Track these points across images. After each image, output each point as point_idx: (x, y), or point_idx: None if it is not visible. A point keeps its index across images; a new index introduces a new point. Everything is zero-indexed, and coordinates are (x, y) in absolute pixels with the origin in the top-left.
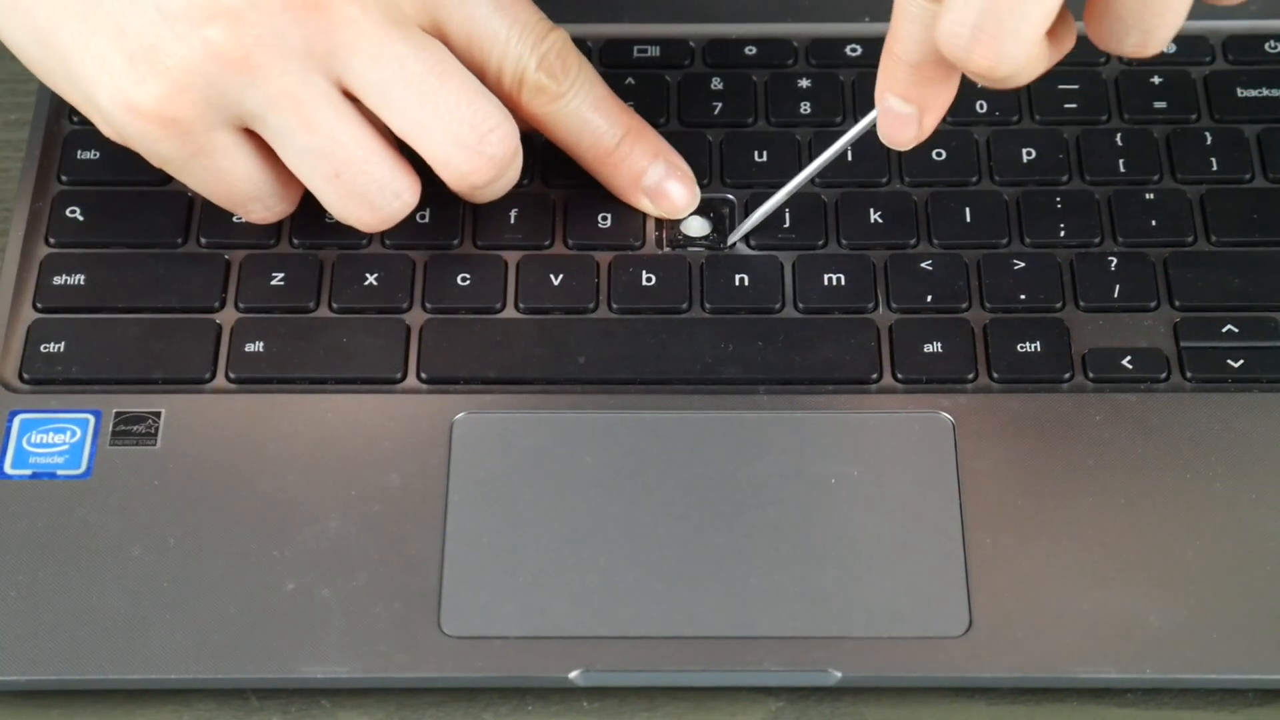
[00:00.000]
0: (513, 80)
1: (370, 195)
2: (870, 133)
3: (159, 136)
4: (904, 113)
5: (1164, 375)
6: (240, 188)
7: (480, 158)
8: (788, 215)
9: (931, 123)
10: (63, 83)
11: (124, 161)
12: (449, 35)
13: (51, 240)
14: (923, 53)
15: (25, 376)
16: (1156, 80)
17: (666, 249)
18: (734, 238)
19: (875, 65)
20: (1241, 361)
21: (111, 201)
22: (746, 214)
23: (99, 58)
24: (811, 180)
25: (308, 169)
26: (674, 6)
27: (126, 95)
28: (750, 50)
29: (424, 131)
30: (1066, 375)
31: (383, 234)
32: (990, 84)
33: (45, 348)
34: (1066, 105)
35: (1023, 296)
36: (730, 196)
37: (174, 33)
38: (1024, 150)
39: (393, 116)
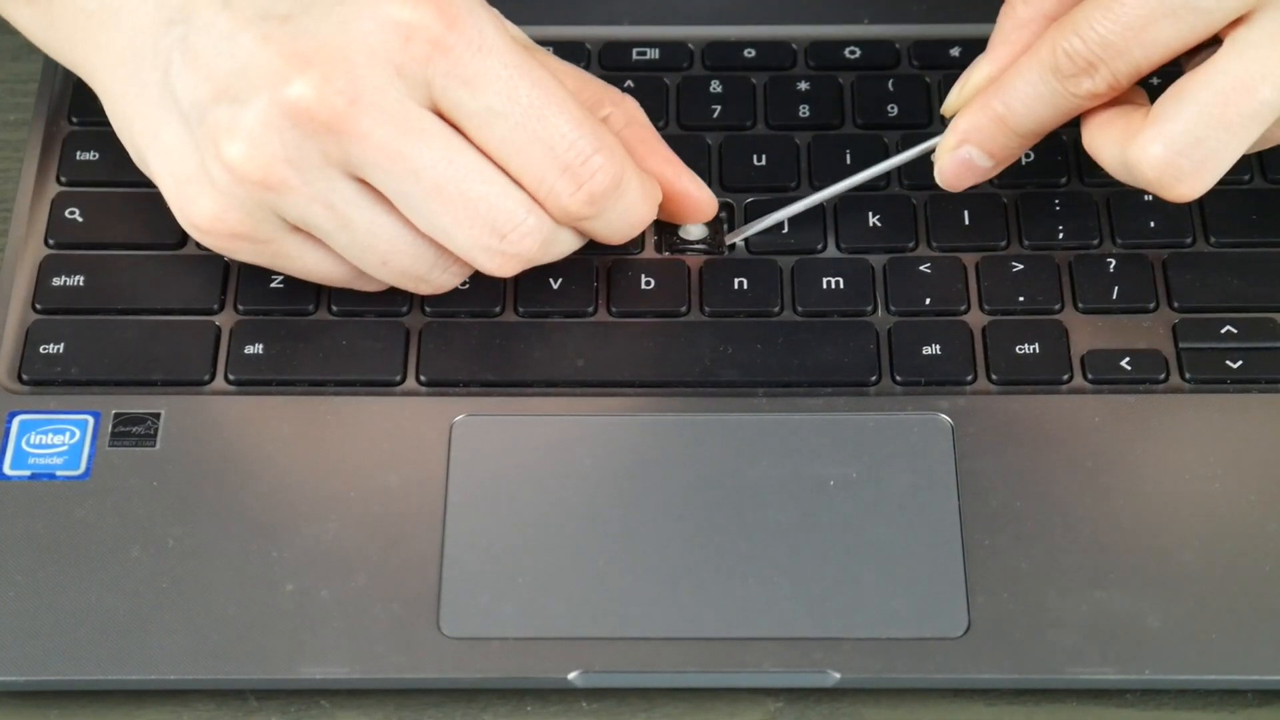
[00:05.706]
0: (548, 204)
1: (420, 273)
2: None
3: (230, 248)
4: (983, 166)
5: (1163, 376)
6: (334, 274)
7: (502, 256)
8: (786, 219)
9: (996, 171)
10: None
11: (124, 162)
12: (484, 150)
13: (51, 241)
14: (1040, 127)
15: (24, 377)
16: (1155, 81)
17: (665, 253)
18: (733, 238)
19: (874, 67)
20: (1240, 362)
21: (111, 202)
22: (746, 217)
23: (159, 175)
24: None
25: (356, 259)
26: (673, 9)
27: (184, 213)
28: (749, 53)
29: (447, 238)
30: (1065, 377)
31: None
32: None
33: (44, 349)
34: None
35: (1021, 299)
36: (729, 200)
37: (207, 156)
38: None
39: (416, 221)
